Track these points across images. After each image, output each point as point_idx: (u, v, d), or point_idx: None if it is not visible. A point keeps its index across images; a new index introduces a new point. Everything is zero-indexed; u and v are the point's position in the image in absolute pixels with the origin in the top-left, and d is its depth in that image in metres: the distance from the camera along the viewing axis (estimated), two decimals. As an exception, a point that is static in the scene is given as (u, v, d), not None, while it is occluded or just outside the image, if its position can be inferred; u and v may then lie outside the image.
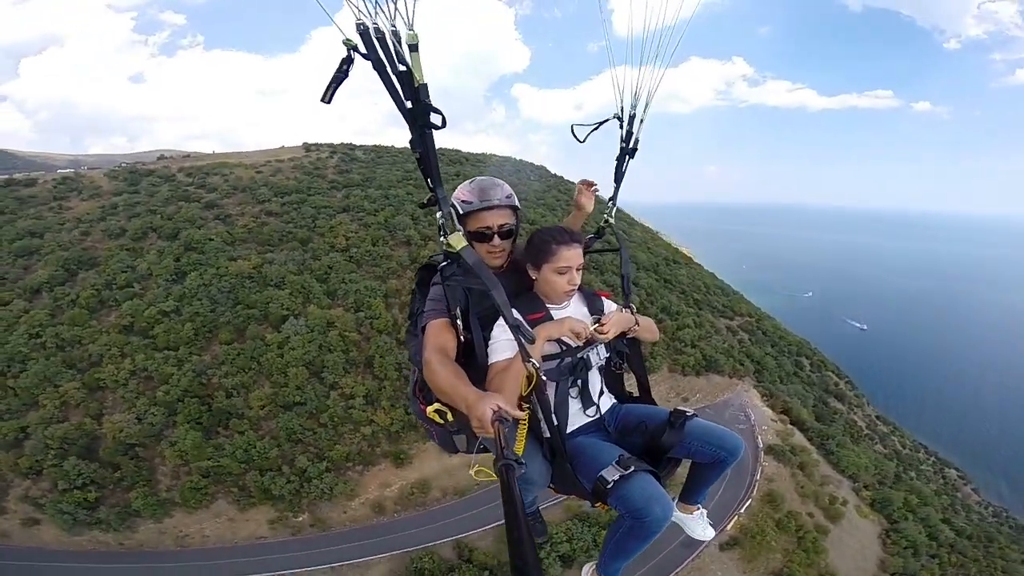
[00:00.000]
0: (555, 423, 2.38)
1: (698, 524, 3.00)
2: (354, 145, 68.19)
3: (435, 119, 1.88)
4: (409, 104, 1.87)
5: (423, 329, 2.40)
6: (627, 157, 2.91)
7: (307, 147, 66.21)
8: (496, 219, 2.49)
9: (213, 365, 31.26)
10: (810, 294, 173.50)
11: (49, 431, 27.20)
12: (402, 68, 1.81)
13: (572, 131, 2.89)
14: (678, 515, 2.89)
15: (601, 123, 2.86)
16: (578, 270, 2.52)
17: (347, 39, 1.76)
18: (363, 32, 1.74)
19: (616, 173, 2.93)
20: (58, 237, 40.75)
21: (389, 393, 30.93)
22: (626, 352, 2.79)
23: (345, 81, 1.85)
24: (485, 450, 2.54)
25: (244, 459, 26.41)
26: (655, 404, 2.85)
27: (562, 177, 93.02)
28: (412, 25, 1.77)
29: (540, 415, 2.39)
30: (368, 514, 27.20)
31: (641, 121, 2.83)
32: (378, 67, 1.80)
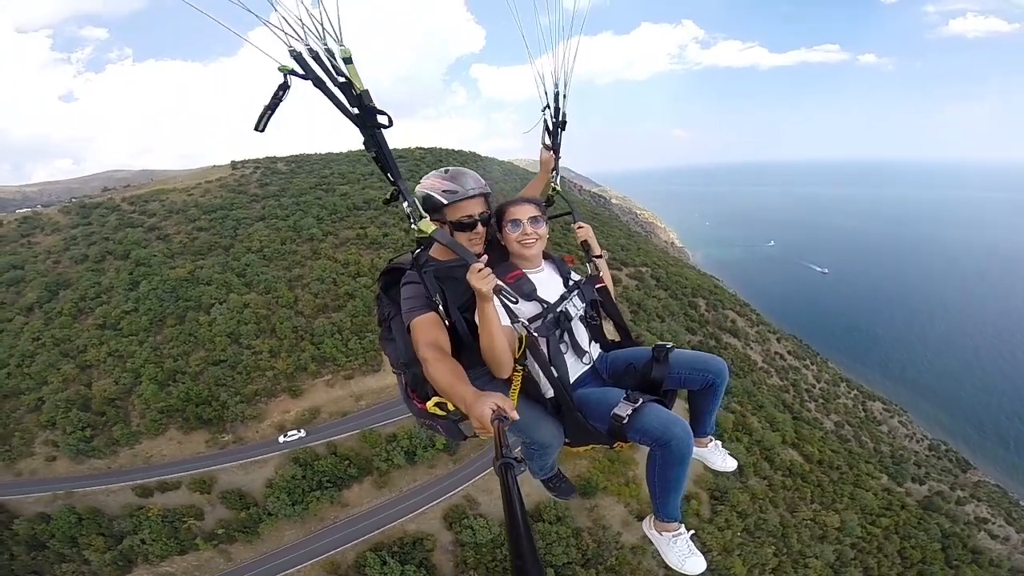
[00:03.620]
0: (555, 375, 2.68)
1: (716, 455, 3.31)
2: (276, 158, 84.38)
3: (382, 119, 2.25)
4: (355, 111, 2.22)
5: (408, 329, 2.65)
6: (559, 131, 3.55)
7: (234, 165, 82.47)
8: (476, 207, 2.86)
9: (163, 342, 48.15)
10: (772, 243, 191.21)
11: (58, 396, 43.99)
12: (342, 80, 2.15)
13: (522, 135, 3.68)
14: (696, 450, 3.16)
15: (539, 122, 3.55)
16: (531, 223, 2.93)
17: (282, 66, 2.06)
18: (297, 56, 2.06)
19: (553, 144, 3.58)
20: (35, 267, 57.35)
21: (286, 347, 47.81)
22: (598, 300, 3.18)
23: (280, 107, 2.17)
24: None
25: (186, 399, 43.29)
26: (638, 345, 3.24)
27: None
28: (342, 40, 2.09)
29: (539, 373, 2.72)
30: (273, 432, 43.84)
31: (565, 96, 3.43)
32: (318, 84, 2.12)
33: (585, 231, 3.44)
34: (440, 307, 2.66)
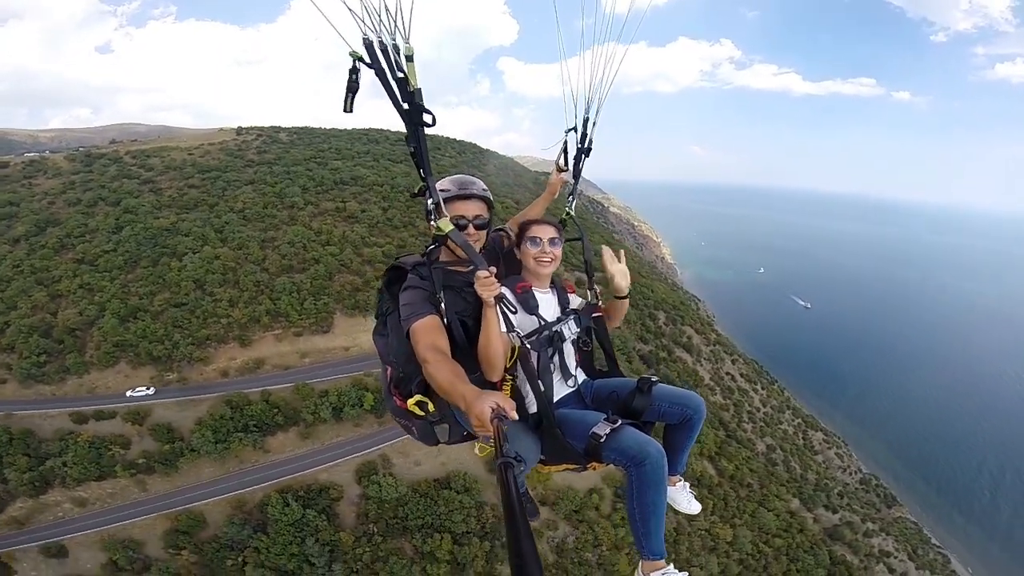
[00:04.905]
0: (540, 388, 2.85)
1: (682, 496, 3.43)
2: (280, 128, 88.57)
3: (427, 119, 2.43)
4: (405, 106, 2.40)
5: (408, 333, 2.75)
6: (583, 156, 3.70)
7: (239, 131, 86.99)
8: (472, 209, 3.07)
9: (133, 280, 51.85)
10: (762, 271, 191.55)
11: (23, 322, 47.72)
12: (400, 75, 2.34)
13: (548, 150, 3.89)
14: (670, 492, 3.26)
15: (560, 142, 3.69)
16: (550, 243, 3.19)
17: (353, 51, 2.28)
18: (368, 45, 2.27)
19: (574, 171, 3.73)
20: (30, 205, 61.81)
21: (245, 299, 51.03)
22: (593, 328, 3.36)
23: (358, 90, 2.39)
24: (465, 439, 3.11)
25: (142, 335, 46.62)
26: (623, 376, 3.43)
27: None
28: (408, 39, 2.27)
29: (526, 387, 2.91)
30: (216, 377, 46.79)
31: (594, 124, 3.61)
32: (380, 75, 2.33)
33: (616, 267, 3.38)
34: (441, 304, 2.80)
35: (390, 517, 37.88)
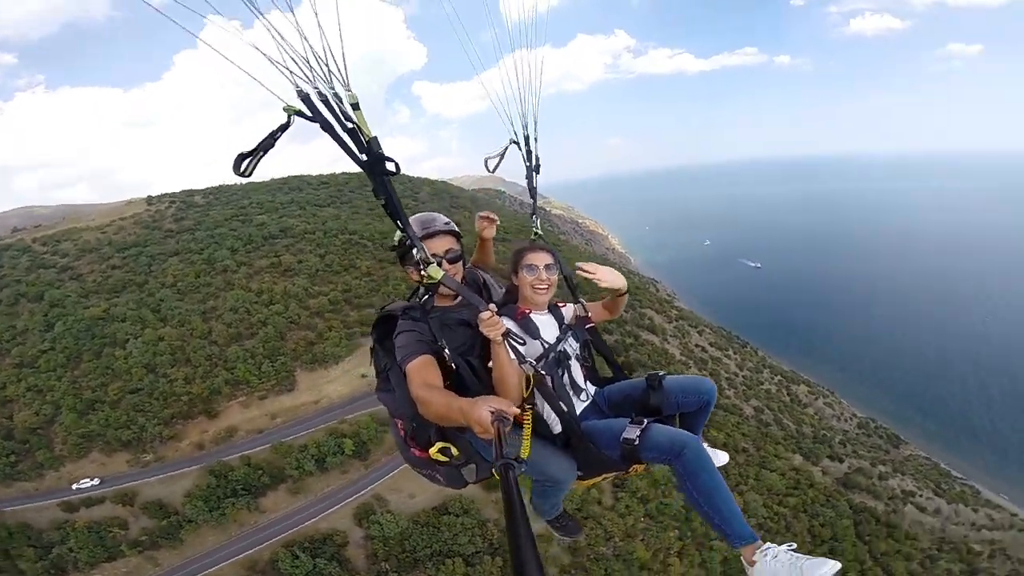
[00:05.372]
0: (564, 408, 2.98)
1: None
2: (193, 191, 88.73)
3: (390, 166, 2.35)
4: (363, 157, 2.30)
5: (404, 374, 2.79)
6: (534, 174, 3.83)
7: (149, 200, 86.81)
8: (441, 245, 3.11)
9: (81, 376, 53.01)
10: (707, 243, 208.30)
11: (-21, 432, 47.98)
12: (350, 126, 2.23)
13: (485, 163, 3.83)
14: None
15: (504, 151, 3.72)
16: (547, 269, 3.28)
17: (288, 106, 2.10)
18: (305, 98, 2.12)
19: (529, 189, 3.87)
20: (-55, 314, 60.02)
21: (200, 373, 53.62)
22: (589, 339, 3.50)
23: (271, 149, 2.17)
24: (490, 477, 3.00)
25: (106, 424, 48.50)
26: (628, 378, 3.60)
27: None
28: (349, 85, 2.17)
29: (547, 412, 3.04)
30: (192, 451, 49.52)
31: (536, 140, 3.66)
32: (327, 128, 2.19)
33: (603, 274, 3.34)
34: (443, 351, 2.89)
35: (399, 552, 40.61)
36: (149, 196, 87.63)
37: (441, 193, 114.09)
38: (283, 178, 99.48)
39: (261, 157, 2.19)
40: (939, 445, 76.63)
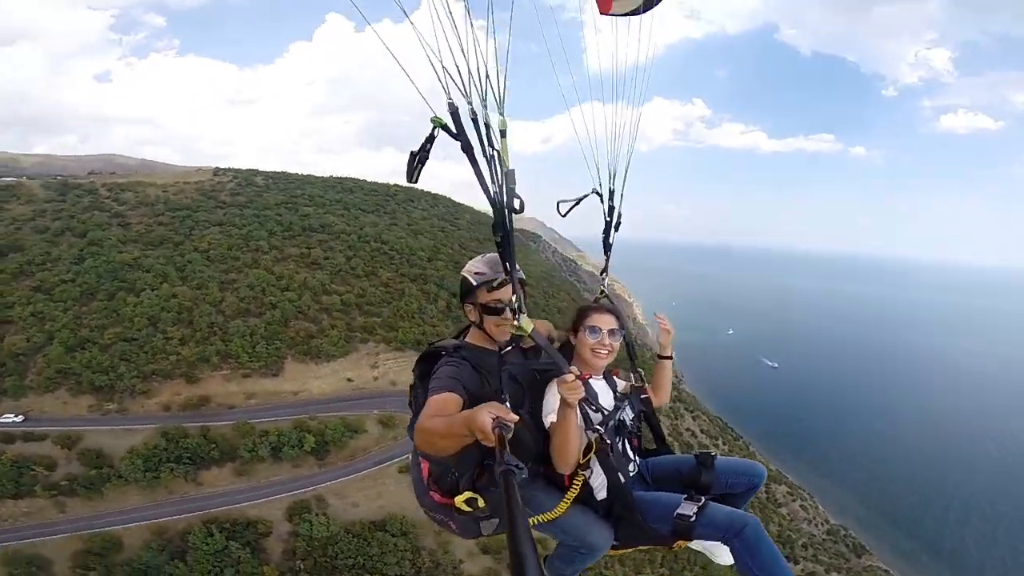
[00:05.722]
0: (622, 480, 2.95)
1: (723, 551, 3.26)
2: (257, 171, 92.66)
3: (516, 204, 2.26)
4: (494, 188, 2.19)
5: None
6: (612, 231, 3.71)
7: (216, 171, 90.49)
8: (508, 293, 2.80)
9: (87, 313, 53.57)
10: (731, 332, 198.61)
11: (-31, 344, 48.83)
12: (491, 151, 2.15)
13: (557, 207, 3.50)
14: (704, 544, 3.26)
15: (581, 198, 3.44)
16: (611, 334, 3.16)
17: (436, 117, 2.07)
18: (454, 112, 2.08)
19: (604, 245, 3.72)
20: (-6, 229, 63.33)
21: (197, 338, 53.10)
22: (643, 411, 3.47)
23: (428, 159, 2.20)
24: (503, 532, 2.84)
25: (87, 364, 48.15)
26: (672, 453, 3.59)
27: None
28: (503, 111, 2.13)
29: (595, 478, 3.03)
30: (157, 410, 48.21)
31: (621, 196, 3.49)
32: (467, 149, 2.12)
33: (665, 329, 3.62)
34: (502, 397, 2.66)
35: (320, 555, 38.38)
36: (217, 168, 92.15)
37: (479, 223, 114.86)
38: (340, 177, 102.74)
39: (421, 166, 2.24)
40: (904, 561, 75.53)
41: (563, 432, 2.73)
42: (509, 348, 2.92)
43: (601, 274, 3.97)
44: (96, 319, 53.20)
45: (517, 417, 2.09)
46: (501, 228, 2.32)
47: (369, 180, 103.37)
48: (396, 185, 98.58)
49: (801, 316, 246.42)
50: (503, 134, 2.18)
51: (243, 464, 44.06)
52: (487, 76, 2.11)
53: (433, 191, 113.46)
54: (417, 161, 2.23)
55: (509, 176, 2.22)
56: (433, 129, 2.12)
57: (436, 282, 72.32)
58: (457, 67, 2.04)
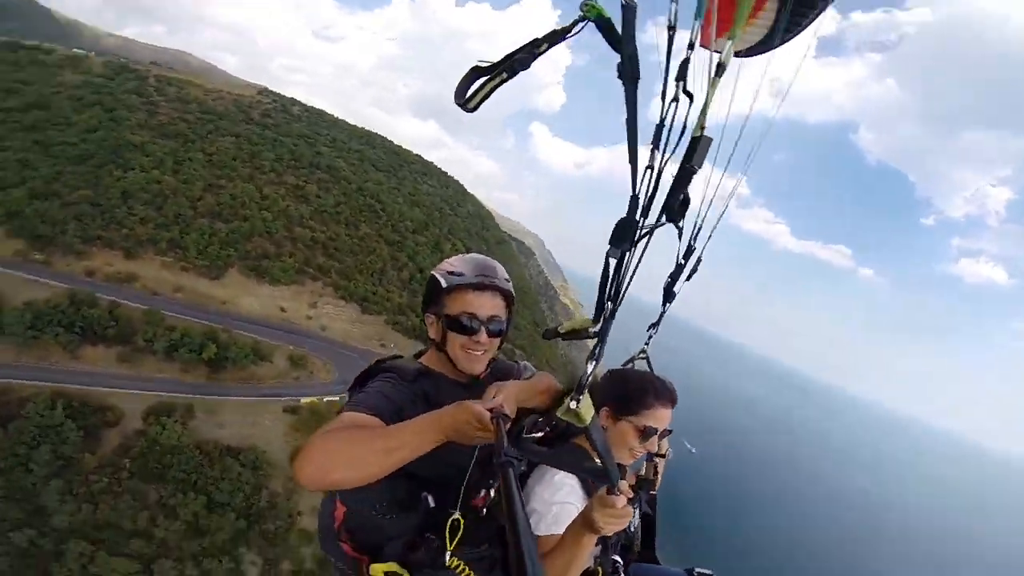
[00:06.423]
0: None
1: None
2: (296, 101, 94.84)
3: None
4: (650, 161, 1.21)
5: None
6: (684, 278, 2.44)
7: (260, 91, 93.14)
8: (488, 306, 2.07)
9: (71, 173, 55.69)
10: (694, 451, 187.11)
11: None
12: (680, 92, 1.19)
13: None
14: None
15: (655, 227, 1.62)
16: (661, 436, 2.41)
17: (592, 5, 1.17)
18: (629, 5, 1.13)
19: (665, 295, 2.50)
20: (36, 88, 67.12)
21: (159, 223, 53.85)
22: (648, 513, 3.14)
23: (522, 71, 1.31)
24: None
25: (38, 214, 49.63)
26: (658, 562, 3.22)
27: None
28: (736, 32, 1.32)
29: None
30: (80, 274, 48.64)
31: (709, 236, 2.18)
32: (630, 68, 1.14)
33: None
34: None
35: (153, 460, 36.75)
36: (265, 88, 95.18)
37: (477, 217, 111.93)
38: (369, 131, 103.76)
39: (491, 90, 1.34)
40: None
41: (571, 559, 1.86)
42: (558, 434, 2.31)
43: (650, 328, 3.07)
44: (75, 179, 54.97)
45: (512, 410, 1.67)
46: (628, 238, 1.20)
47: (395, 141, 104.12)
48: (418, 155, 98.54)
49: (737, 417, 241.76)
50: (720, 71, 1.19)
51: (132, 351, 43.22)
52: None
53: (453, 175, 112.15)
54: (494, 77, 1.31)
55: (701, 146, 1.25)
56: (576, 21, 1.17)
57: (410, 253, 70.96)
58: None
